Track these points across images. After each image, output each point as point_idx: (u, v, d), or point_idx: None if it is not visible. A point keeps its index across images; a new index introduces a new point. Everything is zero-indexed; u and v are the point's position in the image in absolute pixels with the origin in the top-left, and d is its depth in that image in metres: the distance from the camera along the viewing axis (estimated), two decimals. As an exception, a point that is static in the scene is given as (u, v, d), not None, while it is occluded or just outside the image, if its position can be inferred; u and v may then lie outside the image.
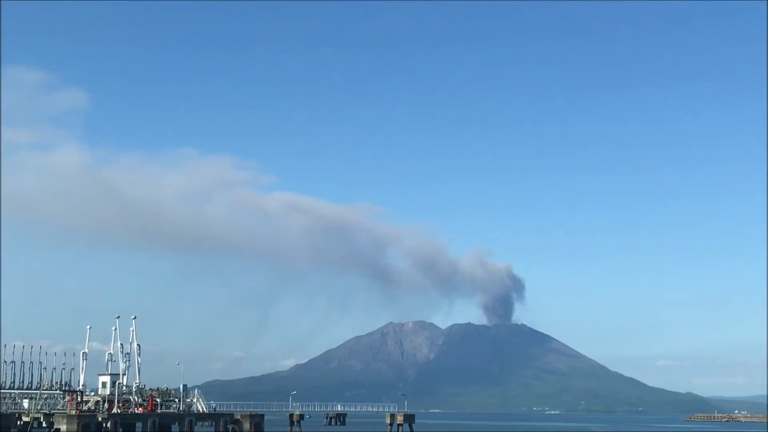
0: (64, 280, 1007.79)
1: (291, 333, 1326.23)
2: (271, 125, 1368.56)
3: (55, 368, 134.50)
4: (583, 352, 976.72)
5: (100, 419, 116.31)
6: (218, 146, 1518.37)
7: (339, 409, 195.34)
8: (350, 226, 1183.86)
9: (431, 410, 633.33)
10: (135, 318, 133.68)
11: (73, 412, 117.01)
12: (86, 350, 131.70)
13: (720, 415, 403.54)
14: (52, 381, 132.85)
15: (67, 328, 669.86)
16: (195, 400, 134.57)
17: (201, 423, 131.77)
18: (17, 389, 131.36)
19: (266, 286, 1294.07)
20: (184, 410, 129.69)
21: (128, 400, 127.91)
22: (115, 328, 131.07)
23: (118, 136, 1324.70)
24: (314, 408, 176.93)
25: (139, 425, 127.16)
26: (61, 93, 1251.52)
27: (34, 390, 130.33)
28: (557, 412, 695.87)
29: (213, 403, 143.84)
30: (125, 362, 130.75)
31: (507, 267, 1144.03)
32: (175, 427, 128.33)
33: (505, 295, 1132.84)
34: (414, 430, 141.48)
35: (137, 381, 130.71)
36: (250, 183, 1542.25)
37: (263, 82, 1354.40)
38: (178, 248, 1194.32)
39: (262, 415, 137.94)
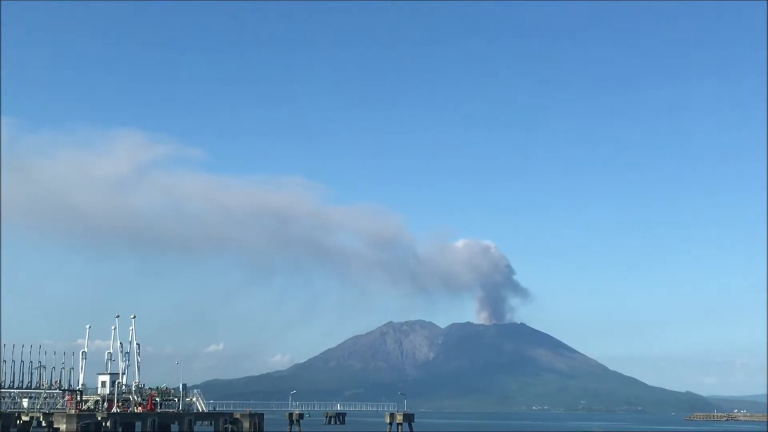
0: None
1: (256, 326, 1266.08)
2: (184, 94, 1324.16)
3: (54, 367, 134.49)
4: (582, 352, 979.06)
5: (99, 418, 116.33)
6: (121, 119, 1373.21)
7: (338, 408, 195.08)
8: (292, 209, 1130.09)
9: (430, 410, 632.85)
10: (134, 317, 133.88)
11: (73, 411, 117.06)
12: (86, 349, 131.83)
13: (720, 414, 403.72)
14: (51, 380, 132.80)
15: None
16: (194, 399, 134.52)
17: (200, 422, 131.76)
18: (17, 389, 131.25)
19: (224, 280, 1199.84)
20: (183, 409, 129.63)
21: (128, 400, 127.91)
22: (115, 328, 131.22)
23: (23, 112, 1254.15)
24: (314, 407, 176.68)
25: (138, 424, 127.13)
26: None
27: (33, 389, 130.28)
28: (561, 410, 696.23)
29: (212, 403, 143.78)
30: (125, 362, 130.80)
31: (490, 248, 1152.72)
32: (174, 427, 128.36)
33: (498, 292, 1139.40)
34: (413, 429, 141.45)
35: (137, 380, 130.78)
36: (172, 160, 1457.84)
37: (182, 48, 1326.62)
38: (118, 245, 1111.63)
39: (262, 415, 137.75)
